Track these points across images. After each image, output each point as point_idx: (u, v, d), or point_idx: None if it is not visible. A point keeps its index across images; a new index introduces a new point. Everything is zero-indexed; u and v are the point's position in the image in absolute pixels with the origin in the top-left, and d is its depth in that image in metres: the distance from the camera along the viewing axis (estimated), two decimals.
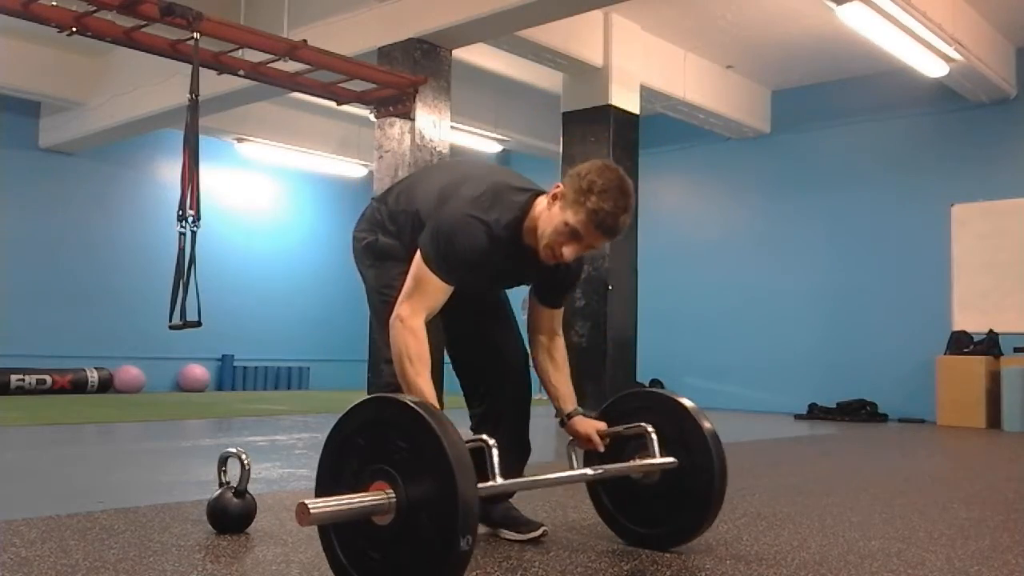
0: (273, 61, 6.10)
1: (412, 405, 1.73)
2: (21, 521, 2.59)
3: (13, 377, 9.25)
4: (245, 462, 2.52)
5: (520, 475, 2.48)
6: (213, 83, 6.36)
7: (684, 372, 9.80)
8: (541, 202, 2.26)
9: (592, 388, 6.80)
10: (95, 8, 5.23)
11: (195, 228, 4.82)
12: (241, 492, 2.52)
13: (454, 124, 7.24)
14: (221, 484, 2.54)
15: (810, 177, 9.41)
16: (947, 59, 7.10)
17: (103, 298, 10.25)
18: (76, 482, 3.69)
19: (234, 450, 2.56)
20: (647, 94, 8.18)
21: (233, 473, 2.55)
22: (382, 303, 2.37)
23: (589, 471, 2.34)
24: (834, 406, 8.47)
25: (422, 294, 2.18)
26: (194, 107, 5.01)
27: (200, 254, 4.84)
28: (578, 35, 7.36)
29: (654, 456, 2.31)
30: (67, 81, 9.26)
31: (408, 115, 6.37)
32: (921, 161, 8.72)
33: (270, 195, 12.14)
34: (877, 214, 8.88)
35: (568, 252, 2.18)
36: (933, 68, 7.29)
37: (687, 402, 2.39)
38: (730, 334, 9.68)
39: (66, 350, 9.93)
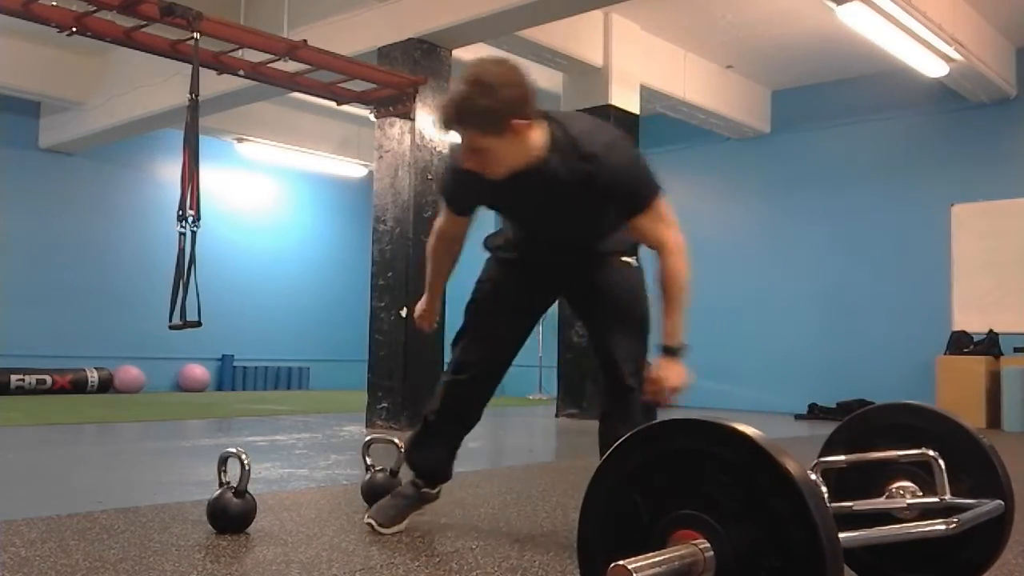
0: (273, 61, 6.10)
1: (735, 429, 1.27)
2: (21, 521, 2.59)
3: (13, 377, 9.25)
4: (245, 462, 2.52)
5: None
6: (213, 83, 6.36)
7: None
8: None
9: (592, 388, 6.81)
10: (95, 8, 5.24)
11: (195, 228, 4.83)
12: (241, 492, 2.51)
13: None
14: (221, 484, 2.54)
15: (810, 177, 9.41)
16: (947, 59, 7.10)
17: (103, 298, 10.25)
18: (76, 482, 3.69)
19: (234, 450, 2.56)
20: (647, 94, 8.17)
21: (233, 473, 2.55)
22: None
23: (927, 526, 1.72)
24: (834, 406, 8.47)
25: (443, 216, 2.51)
26: (194, 107, 5.01)
27: (200, 254, 4.85)
28: (578, 35, 7.36)
29: (942, 492, 1.83)
30: (67, 81, 9.26)
31: (408, 115, 6.37)
32: (921, 161, 8.71)
33: (270, 195, 12.13)
34: (877, 214, 8.88)
35: (467, 161, 2.17)
36: (933, 68, 7.28)
37: (958, 418, 2.00)
38: (730, 334, 9.67)
39: (66, 350, 9.93)
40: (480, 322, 2.53)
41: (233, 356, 11.34)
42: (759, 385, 9.42)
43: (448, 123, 2.13)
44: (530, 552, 2.34)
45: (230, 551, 2.30)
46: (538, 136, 2.18)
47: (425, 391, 6.24)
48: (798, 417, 8.55)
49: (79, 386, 9.66)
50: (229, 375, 11.34)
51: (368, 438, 3.00)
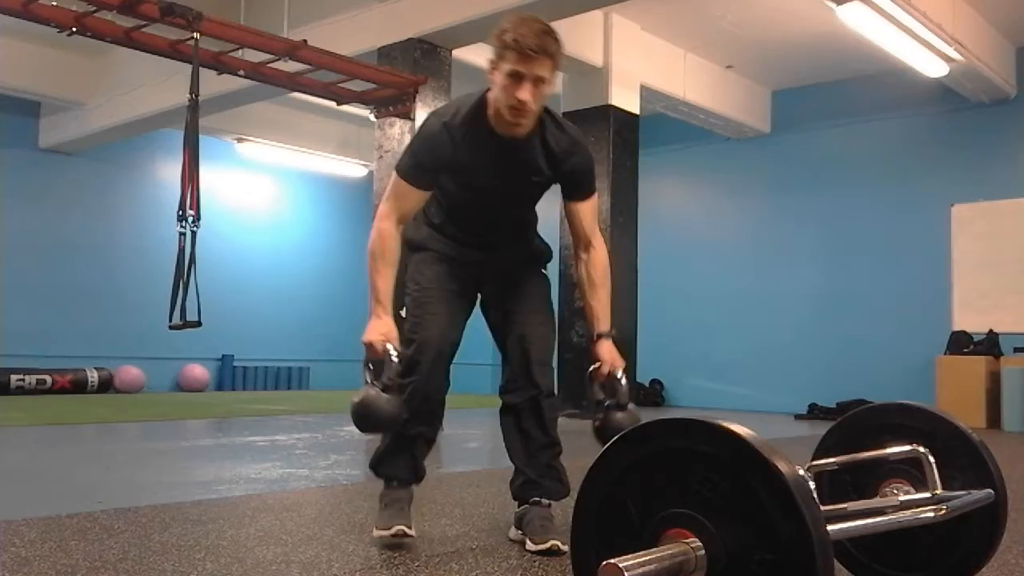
0: (273, 61, 6.10)
1: (724, 428, 1.29)
2: (21, 521, 2.59)
3: (13, 377, 9.26)
4: (392, 355, 2.29)
5: (554, 466, 2.46)
6: (213, 83, 6.36)
7: (684, 372, 9.80)
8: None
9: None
10: (95, 8, 5.24)
11: (195, 228, 4.83)
12: (389, 387, 2.28)
13: None
14: (368, 382, 2.31)
15: (810, 177, 9.41)
16: (947, 59, 7.10)
17: (103, 298, 10.25)
18: (76, 482, 3.69)
19: (389, 347, 2.30)
20: (647, 94, 8.18)
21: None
22: (404, 294, 2.49)
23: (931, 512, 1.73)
24: (834, 406, 8.46)
25: (392, 197, 2.38)
26: (194, 107, 5.02)
27: (200, 254, 4.85)
28: (578, 35, 7.36)
29: (933, 487, 1.82)
30: (67, 81, 9.26)
31: (408, 115, 6.37)
32: (921, 161, 8.71)
33: (270, 195, 12.14)
34: (877, 214, 8.88)
35: (522, 94, 2.24)
36: (933, 68, 7.29)
37: (949, 416, 2.00)
38: (730, 334, 9.67)
39: (66, 350, 9.93)
40: (429, 320, 2.43)
41: (233, 356, 11.34)
42: (759, 385, 9.41)
43: (540, 43, 2.21)
44: (530, 552, 2.34)
45: (230, 551, 2.30)
46: None
47: None
48: (798, 417, 8.55)
49: (79, 386, 9.66)
50: (229, 375, 11.34)
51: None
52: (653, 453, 1.34)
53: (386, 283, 2.34)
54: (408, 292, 2.49)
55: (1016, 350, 7.60)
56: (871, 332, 8.76)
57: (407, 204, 2.38)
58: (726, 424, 1.29)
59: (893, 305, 8.65)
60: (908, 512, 1.70)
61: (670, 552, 1.25)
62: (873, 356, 8.68)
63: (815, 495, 1.24)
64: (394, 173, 2.40)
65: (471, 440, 5.70)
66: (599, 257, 2.52)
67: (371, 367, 2.31)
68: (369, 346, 2.30)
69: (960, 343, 7.86)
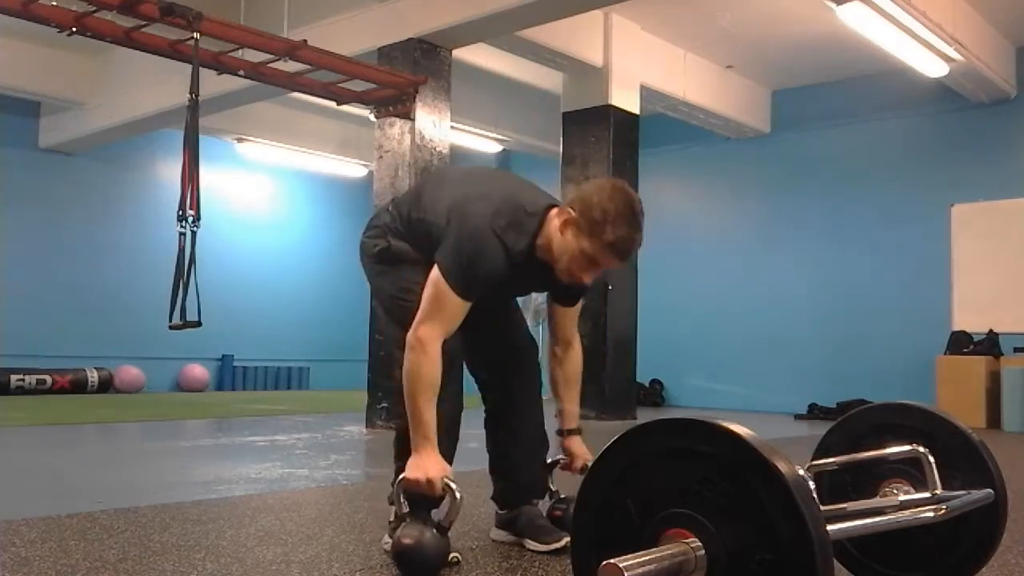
0: (273, 61, 6.10)
1: (724, 428, 1.28)
2: (21, 521, 2.59)
3: (13, 377, 9.26)
4: (457, 495, 2.07)
5: (544, 469, 2.51)
6: (213, 83, 6.36)
7: (684, 372, 9.80)
8: (553, 220, 2.23)
9: (592, 388, 6.80)
10: (95, 8, 5.23)
11: (195, 228, 4.83)
12: (445, 528, 2.09)
13: (454, 124, 7.24)
14: (403, 515, 2.13)
15: (810, 177, 9.40)
16: (947, 59, 7.10)
17: (103, 298, 10.25)
18: (76, 482, 3.69)
19: (450, 483, 2.09)
20: (647, 94, 8.17)
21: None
22: (401, 307, 2.29)
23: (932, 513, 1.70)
24: (834, 406, 8.46)
25: (441, 314, 2.14)
26: (194, 107, 5.02)
27: (200, 254, 4.84)
28: (578, 35, 7.36)
29: (933, 487, 1.81)
30: (67, 81, 9.26)
31: (408, 115, 6.37)
32: (921, 161, 8.71)
33: (270, 195, 12.14)
34: (877, 214, 8.88)
35: (588, 278, 2.24)
36: (933, 68, 7.28)
37: (949, 416, 1.99)
38: (730, 334, 9.67)
39: (66, 350, 9.93)
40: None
41: (233, 356, 11.35)
42: (759, 385, 9.41)
43: (635, 250, 2.21)
44: (530, 552, 2.34)
45: (230, 551, 2.30)
46: None
47: None
48: (798, 417, 8.55)
49: (79, 386, 9.66)
50: (229, 375, 11.34)
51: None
52: (653, 453, 1.34)
53: (433, 416, 2.11)
54: (403, 301, 2.29)
55: (1016, 350, 7.60)
56: (871, 332, 8.76)
57: (454, 320, 2.16)
58: (726, 424, 1.28)
59: (893, 305, 8.65)
60: (908, 512, 1.69)
61: (670, 552, 1.25)
62: (873, 356, 8.68)
63: (815, 495, 1.23)
64: (441, 285, 2.13)
65: (471, 440, 5.71)
66: (577, 357, 2.53)
67: (410, 503, 2.14)
68: (425, 483, 2.08)
69: (960, 343, 7.86)
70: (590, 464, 1.99)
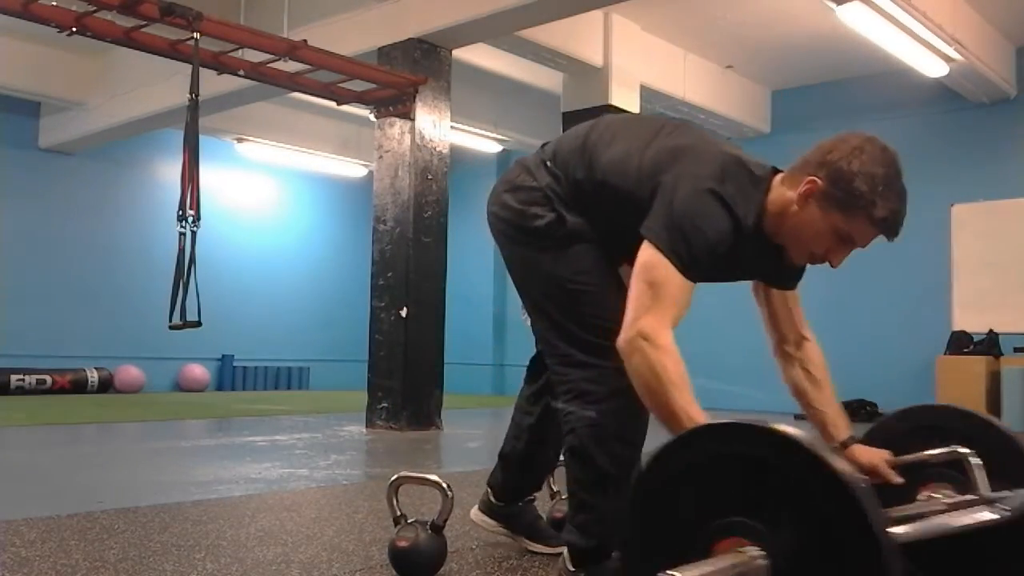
0: (273, 61, 6.10)
1: (778, 431, 1.22)
2: (21, 521, 2.59)
3: (13, 377, 9.26)
4: (448, 493, 2.06)
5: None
6: (213, 83, 6.36)
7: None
8: (781, 188, 1.83)
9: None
10: (95, 8, 5.24)
11: (195, 228, 4.83)
12: (439, 527, 2.08)
13: (454, 124, 7.24)
14: (397, 518, 2.10)
15: None
16: (947, 59, 7.10)
17: (103, 298, 10.25)
18: (76, 482, 3.69)
19: (434, 477, 2.09)
20: (647, 94, 8.17)
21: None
22: (572, 295, 1.92)
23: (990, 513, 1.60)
24: None
25: (664, 299, 1.76)
26: (194, 107, 5.02)
27: (200, 254, 4.84)
28: (578, 35, 7.36)
29: (983, 488, 1.69)
30: (67, 81, 9.26)
31: (408, 115, 6.37)
32: (921, 161, 8.69)
33: (270, 195, 12.14)
34: None
35: (837, 260, 1.88)
36: (933, 68, 7.29)
37: (988, 416, 1.89)
38: (731, 334, 9.66)
39: (66, 350, 9.93)
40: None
41: (233, 356, 11.34)
42: (759, 385, 9.39)
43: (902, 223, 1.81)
44: (530, 552, 2.34)
45: (230, 551, 2.30)
46: None
47: (425, 391, 6.30)
48: (798, 417, 8.53)
49: (79, 386, 9.66)
50: (229, 375, 11.34)
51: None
52: (707, 459, 1.29)
53: (701, 410, 1.69)
54: (580, 285, 1.93)
55: (1016, 350, 7.60)
56: (871, 332, 8.76)
57: (683, 307, 1.81)
58: (783, 428, 1.22)
59: (893, 305, 8.65)
60: (966, 513, 1.60)
61: (731, 563, 1.20)
62: (873, 356, 8.68)
63: (877, 499, 1.19)
64: (659, 265, 1.74)
65: (471, 440, 5.70)
66: (816, 351, 2.12)
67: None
68: None
69: (960, 343, 7.86)
70: (896, 460, 1.83)
